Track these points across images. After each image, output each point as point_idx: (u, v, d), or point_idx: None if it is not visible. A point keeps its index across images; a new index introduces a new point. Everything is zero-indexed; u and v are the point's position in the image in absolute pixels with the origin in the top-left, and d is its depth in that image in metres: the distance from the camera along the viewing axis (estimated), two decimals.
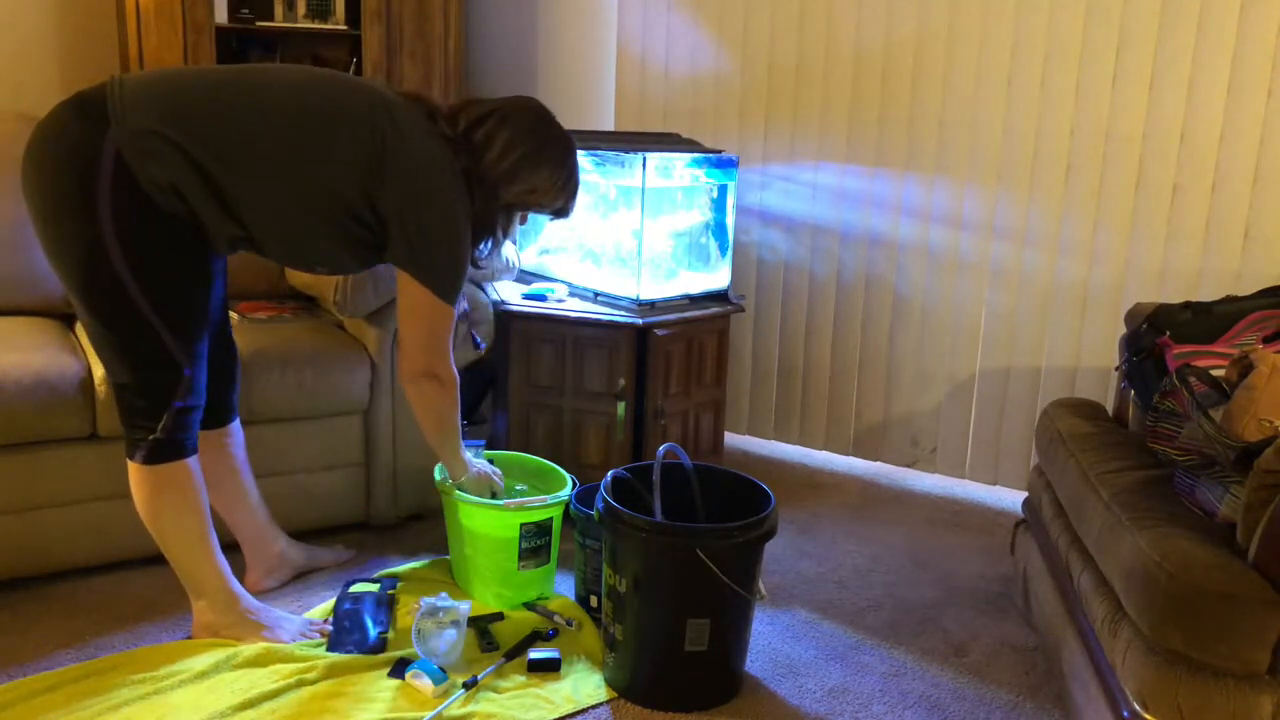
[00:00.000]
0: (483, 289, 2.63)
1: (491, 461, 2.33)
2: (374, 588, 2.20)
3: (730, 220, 2.86)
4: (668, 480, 2.06)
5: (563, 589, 2.32)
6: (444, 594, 2.02)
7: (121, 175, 1.79)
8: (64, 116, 1.83)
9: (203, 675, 1.87)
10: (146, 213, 1.82)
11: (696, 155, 2.71)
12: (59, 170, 1.81)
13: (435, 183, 1.93)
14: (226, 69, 1.93)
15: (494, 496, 2.24)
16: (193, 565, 2.00)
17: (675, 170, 2.67)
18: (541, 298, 2.70)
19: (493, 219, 2.05)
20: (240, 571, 2.18)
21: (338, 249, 1.97)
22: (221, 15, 3.25)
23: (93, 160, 1.79)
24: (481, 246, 2.07)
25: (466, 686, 1.87)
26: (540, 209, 2.13)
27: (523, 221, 2.19)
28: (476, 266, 2.11)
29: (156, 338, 1.86)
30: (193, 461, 1.95)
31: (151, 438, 1.89)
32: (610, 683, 1.94)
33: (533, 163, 2.03)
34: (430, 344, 1.99)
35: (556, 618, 2.15)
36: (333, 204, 1.90)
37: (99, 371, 2.17)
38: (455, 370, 2.05)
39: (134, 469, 1.92)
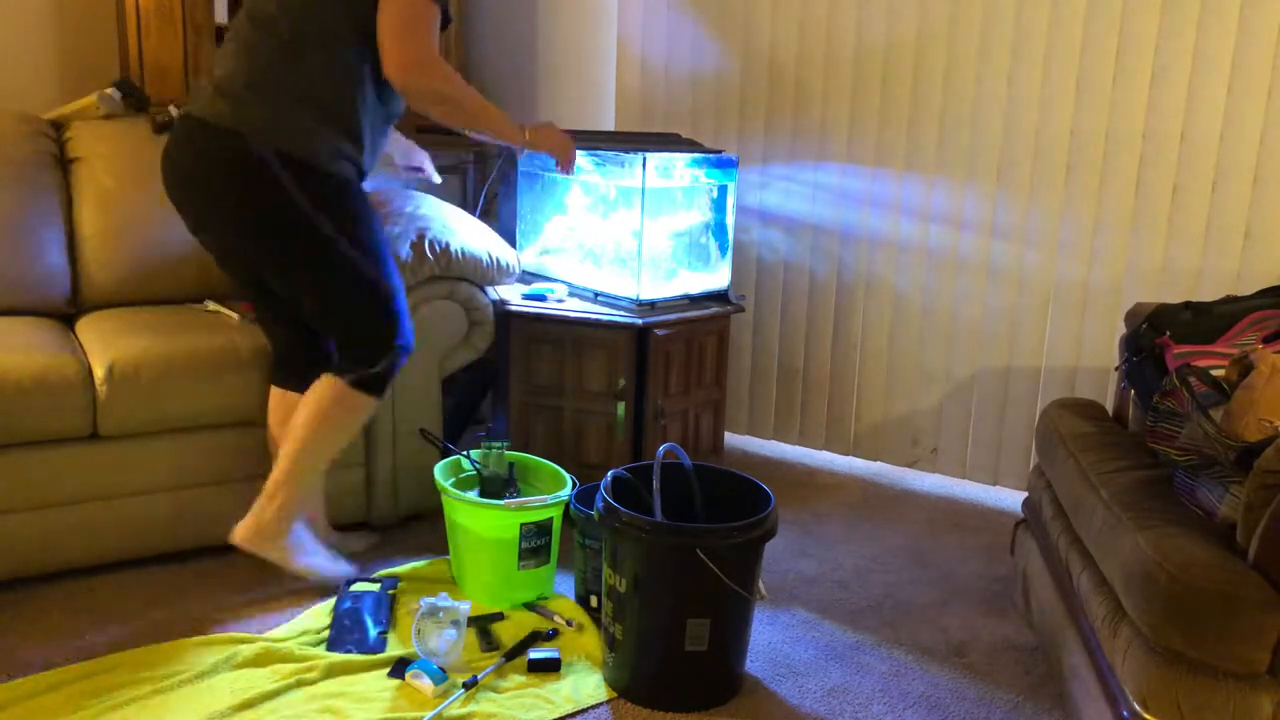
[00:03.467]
0: (483, 289, 2.63)
1: (512, 465, 2.34)
2: (374, 588, 2.20)
3: (730, 220, 2.86)
4: (668, 480, 2.06)
5: (563, 589, 2.32)
6: (444, 594, 2.02)
7: (293, 164, 1.99)
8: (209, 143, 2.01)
9: (203, 675, 1.87)
10: (333, 183, 2.05)
11: (696, 155, 2.71)
12: (242, 193, 2.01)
13: None
14: (230, 34, 2.12)
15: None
16: (302, 474, 2.16)
17: (675, 170, 2.67)
18: (541, 298, 2.70)
19: None
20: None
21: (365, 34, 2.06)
22: (221, 15, 3.24)
23: (260, 169, 1.98)
24: None
25: (466, 686, 1.87)
26: None
27: None
28: None
29: (389, 293, 2.13)
30: (374, 405, 2.19)
31: (371, 371, 2.13)
32: (610, 683, 1.94)
33: None
34: (406, 31, 1.98)
35: (556, 618, 2.15)
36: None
37: (99, 371, 2.17)
38: (440, 59, 2.04)
39: (332, 382, 2.13)
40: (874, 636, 2.18)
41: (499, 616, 2.16)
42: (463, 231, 2.58)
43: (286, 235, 2.04)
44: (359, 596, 2.16)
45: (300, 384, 2.23)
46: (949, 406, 3.04)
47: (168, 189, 2.12)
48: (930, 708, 1.93)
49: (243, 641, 1.99)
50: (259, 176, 1.98)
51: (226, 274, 2.29)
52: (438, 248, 2.48)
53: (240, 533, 2.14)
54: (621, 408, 2.58)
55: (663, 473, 2.03)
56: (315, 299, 2.12)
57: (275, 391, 2.27)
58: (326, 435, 2.14)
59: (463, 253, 2.53)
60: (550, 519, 2.20)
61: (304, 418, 2.13)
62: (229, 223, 2.07)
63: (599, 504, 1.92)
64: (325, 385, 2.13)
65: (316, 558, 2.21)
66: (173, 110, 2.77)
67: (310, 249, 2.05)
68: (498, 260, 2.61)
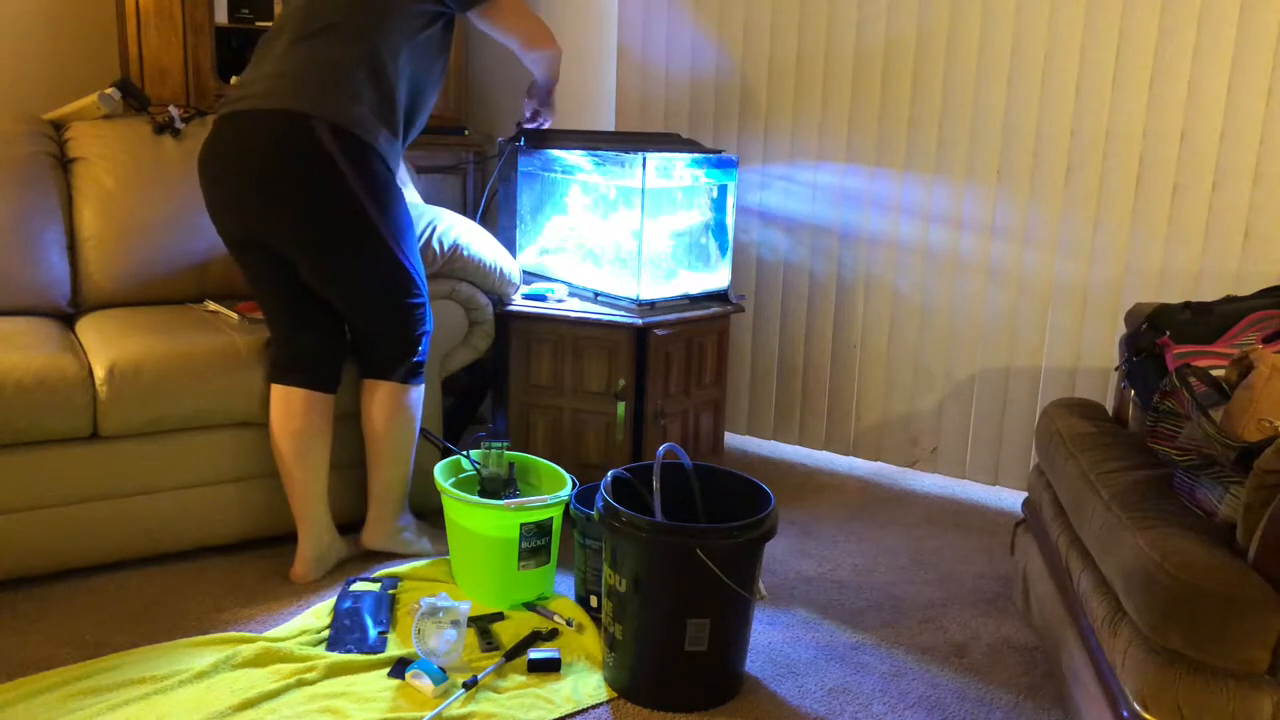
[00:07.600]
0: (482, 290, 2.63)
1: (512, 465, 2.35)
2: (374, 587, 2.20)
3: (730, 220, 2.86)
4: (668, 480, 2.06)
5: (563, 589, 2.32)
6: (444, 594, 2.02)
7: (348, 144, 2.13)
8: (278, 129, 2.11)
9: (203, 675, 1.87)
10: (381, 169, 2.19)
11: (696, 155, 2.71)
12: (305, 173, 2.11)
13: None
14: (286, 34, 2.22)
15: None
16: (406, 475, 2.38)
17: (675, 170, 2.67)
18: (541, 298, 2.70)
19: None
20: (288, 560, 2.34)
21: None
22: (221, 15, 3.25)
23: (318, 148, 2.10)
24: None
25: (466, 686, 1.87)
26: None
27: None
28: None
29: (419, 282, 2.29)
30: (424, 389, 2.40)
31: (414, 360, 2.31)
32: (610, 683, 1.94)
33: None
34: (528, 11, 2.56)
35: (556, 618, 2.15)
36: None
37: (99, 371, 2.17)
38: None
39: (391, 388, 2.29)
40: (874, 636, 2.18)
41: (499, 616, 2.16)
42: (473, 236, 2.58)
43: (342, 208, 2.16)
44: (359, 596, 2.16)
45: (328, 383, 2.28)
46: (949, 406, 3.04)
47: (232, 179, 2.17)
48: (930, 708, 1.93)
49: (243, 641, 1.99)
50: (320, 156, 2.11)
51: (257, 277, 2.28)
52: (445, 244, 2.48)
53: (368, 539, 2.39)
54: (621, 408, 2.58)
55: (663, 473, 2.03)
56: (358, 278, 2.22)
57: (280, 390, 2.26)
58: (407, 434, 2.34)
59: (470, 255, 2.53)
60: (550, 519, 2.20)
61: (382, 430, 2.31)
62: (293, 204, 2.14)
63: (599, 504, 1.92)
64: (386, 394, 2.29)
65: (424, 538, 2.44)
66: (173, 110, 2.77)
67: (358, 226, 2.17)
68: (502, 270, 2.61)
